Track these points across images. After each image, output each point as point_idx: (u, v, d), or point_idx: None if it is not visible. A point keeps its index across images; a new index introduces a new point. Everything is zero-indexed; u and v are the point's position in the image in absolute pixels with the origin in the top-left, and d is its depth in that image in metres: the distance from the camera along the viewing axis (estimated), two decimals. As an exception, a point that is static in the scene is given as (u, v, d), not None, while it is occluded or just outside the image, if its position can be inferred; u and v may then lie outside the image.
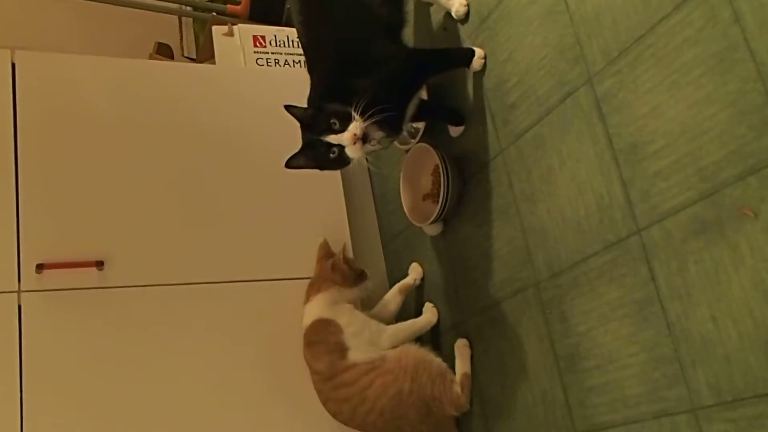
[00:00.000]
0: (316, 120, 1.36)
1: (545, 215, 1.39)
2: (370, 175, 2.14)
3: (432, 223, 1.67)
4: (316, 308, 1.67)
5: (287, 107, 1.38)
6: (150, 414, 1.56)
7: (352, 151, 1.35)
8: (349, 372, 1.60)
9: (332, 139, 1.35)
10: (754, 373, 0.98)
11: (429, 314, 1.76)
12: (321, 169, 1.42)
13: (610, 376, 1.24)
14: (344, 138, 1.34)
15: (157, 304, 1.65)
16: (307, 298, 1.71)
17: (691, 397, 1.08)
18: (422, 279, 1.83)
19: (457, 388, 1.59)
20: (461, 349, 1.64)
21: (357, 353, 1.61)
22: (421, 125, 1.76)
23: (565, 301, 1.34)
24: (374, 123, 1.36)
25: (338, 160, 1.37)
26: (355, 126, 1.33)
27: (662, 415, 1.13)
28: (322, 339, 1.64)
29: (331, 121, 1.34)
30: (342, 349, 1.62)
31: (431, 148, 1.65)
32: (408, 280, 1.83)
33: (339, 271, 1.68)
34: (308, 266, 1.77)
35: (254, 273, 1.77)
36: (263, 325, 1.73)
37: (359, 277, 1.70)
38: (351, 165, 1.38)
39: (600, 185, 1.25)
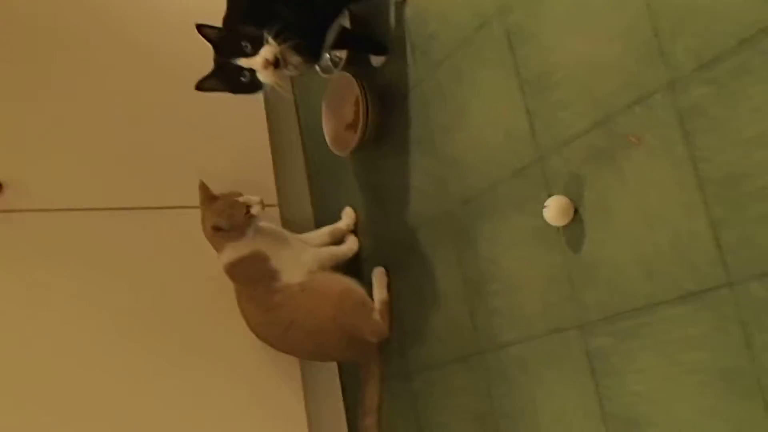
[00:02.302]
0: (228, 42, 1.33)
1: (459, 145, 1.42)
2: (296, 105, 2.12)
3: (352, 152, 1.69)
4: (233, 252, 1.61)
5: (199, 27, 1.34)
6: (52, 344, 1.54)
7: (263, 76, 1.33)
8: (281, 293, 1.61)
9: (243, 62, 1.33)
10: (633, 289, 1.05)
11: (350, 242, 1.79)
12: (233, 92, 1.39)
13: (511, 298, 1.31)
14: (255, 62, 1.32)
15: (59, 230, 1.61)
16: (217, 250, 1.63)
17: (580, 314, 1.15)
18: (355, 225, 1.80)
19: (377, 316, 1.63)
20: (379, 276, 1.69)
21: (288, 275, 1.62)
22: (343, 54, 1.75)
23: (476, 228, 1.39)
24: (290, 47, 1.34)
25: (250, 84, 1.35)
26: (267, 50, 1.31)
27: (555, 331, 1.21)
28: (252, 272, 1.63)
29: (243, 43, 1.31)
30: (273, 274, 1.62)
31: (352, 78, 1.65)
32: (340, 225, 1.81)
33: (218, 237, 1.60)
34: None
35: (167, 200, 1.74)
36: (172, 253, 1.71)
37: (245, 221, 1.58)
38: (264, 90, 1.37)
39: (508, 115, 1.28)
